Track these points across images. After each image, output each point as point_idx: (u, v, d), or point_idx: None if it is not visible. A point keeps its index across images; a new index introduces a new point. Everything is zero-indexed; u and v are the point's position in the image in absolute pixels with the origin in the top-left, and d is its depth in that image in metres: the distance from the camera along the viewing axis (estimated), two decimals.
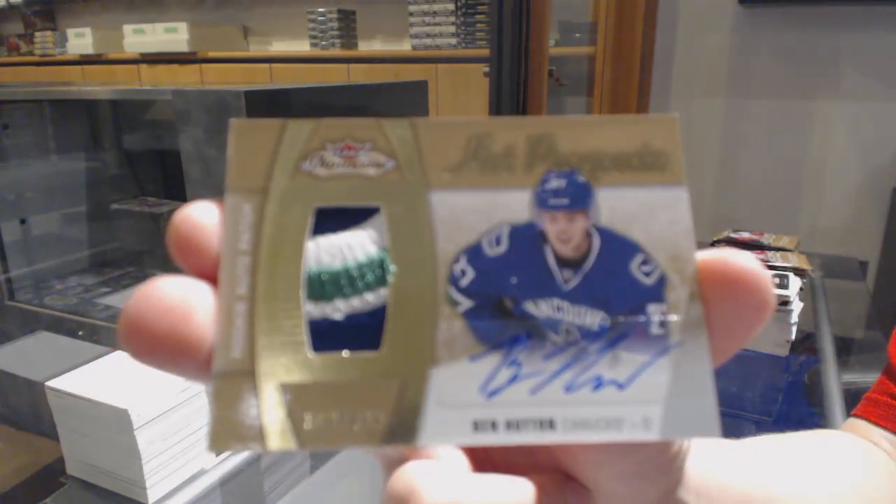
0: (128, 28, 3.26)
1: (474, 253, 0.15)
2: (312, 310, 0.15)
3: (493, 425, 0.14)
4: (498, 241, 0.15)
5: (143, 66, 3.29)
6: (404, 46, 2.89)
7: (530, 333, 0.15)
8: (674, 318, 0.15)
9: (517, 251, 0.15)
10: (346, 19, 2.97)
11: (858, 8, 1.98)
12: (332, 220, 0.16)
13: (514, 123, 0.16)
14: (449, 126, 0.16)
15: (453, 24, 2.63)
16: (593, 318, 0.15)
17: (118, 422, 0.58)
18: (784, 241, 1.16)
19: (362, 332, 0.15)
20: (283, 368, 0.14)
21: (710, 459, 0.23)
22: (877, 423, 0.42)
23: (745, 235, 1.20)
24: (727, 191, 2.28)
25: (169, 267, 0.15)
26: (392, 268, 0.15)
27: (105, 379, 0.62)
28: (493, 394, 0.15)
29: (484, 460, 0.18)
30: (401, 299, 0.15)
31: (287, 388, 0.14)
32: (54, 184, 1.31)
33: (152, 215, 1.38)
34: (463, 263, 0.15)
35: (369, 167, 0.16)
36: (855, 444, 0.40)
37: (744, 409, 0.82)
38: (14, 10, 3.89)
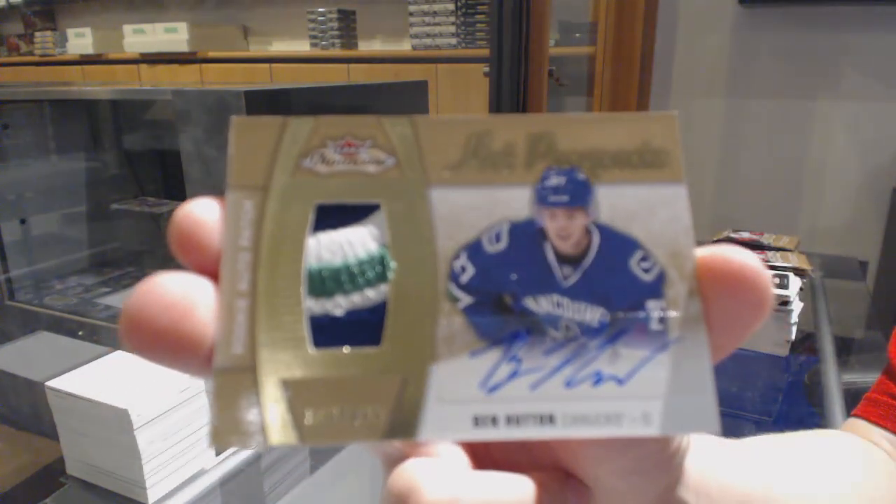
0: (128, 28, 3.26)
1: (474, 250, 0.15)
2: (313, 306, 0.15)
3: (494, 420, 0.15)
4: (498, 238, 0.16)
5: (143, 66, 3.29)
6: (404, 46, 2.89)
7: (530, 329, 0.15)
8: (673, 314, 0.15)
9: (517, 248, 0.16)
10: (346, 19, 2.97)
11: (859, 8, 1.98)
12: (332, 216, 0.16)
13: (513, 121, 0.16)
14: (449, 124, 0.16)
15: (453, 24, 2.63)
16: (593, 315, 0.15)
17: (118, 422, 0.58)
18: (784, 241, 1.16)
19: (363, 328, 0.15)
20: (283, 364, 0.14)
21: (710, 458, 0.23)
22: (877, 423, 0.42)
23: (745, 235, 1.20)
24: (727, 191, 2.28)
25: (169, 267, 0.15)
26: (392, 264, 0.15)
27: (105, 379, 0.62)
28: (493, 389, 0.15)
29: (484, 458, 0.18)
30: (401, 296, 0.15)
31: (288, 384, 0.14)
32: (54, 184, 1.32)
33: (152, 215, 1.38)
34: (463, 260, 0.15)
35: (370, 164, 0.16)
36: (855, 444, 0.40)
37: (744, 409, 0.82)
38: (14, 10, 3.89)
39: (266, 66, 3.04)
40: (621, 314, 0.15)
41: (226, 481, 0.65)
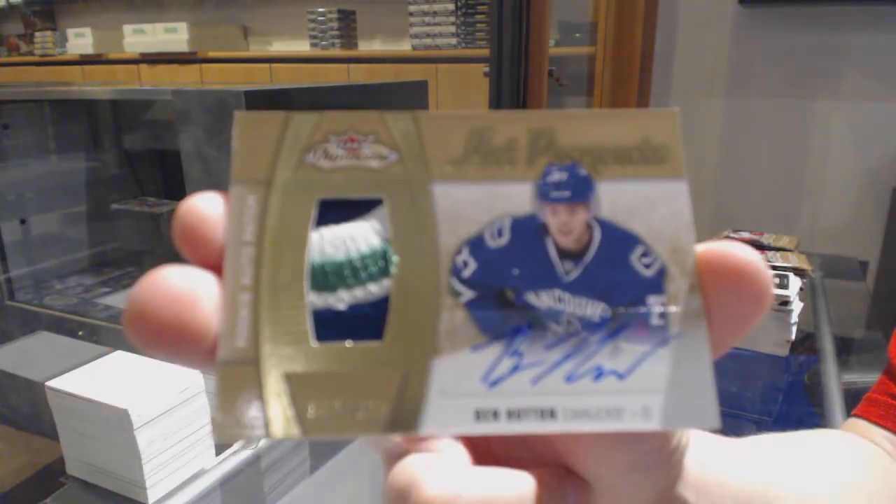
0: (128, 28, 3.26)
1: (476, 245, 0.15)
2: (316, 300, 0.15)
3: (495, 415, 0.15)
4: (500, 233, 0.16)
5: (143, 66, 3.29)
6: (404, 46, 2.89)
7: (532, 324, 0.15)
8: (674, 309, 0.15)
9: (519, 243, 0.16)
10: (346, 19, 2.97)
11: (858, 8, 1.98)
12: (335, 211, 0.16)
13: (515, 117, 0.16)
14: (451, 119, 0.16)
15: (453, 24, 2.63)
16: (594, 309, 0.15)
17: (118, 422, 0.58)
18: (784, 241, 1.16)
19: (365, 322, 0.15)
20: (286, 358, 0.15)
21: (710, 456, 0.23)
22: (877, 423, 0.42)
23: (745, 235, 1.20)
24: (727, 191, 2.28)
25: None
26: (395, 259, 0.15)
27: (105, 379, 0.62)
28: (494, 383, 0.15)
29: (485, 454, 0.18)
30: (403, 290, 0.15)
31: (291, 378, 0.14)
32: (54, 184, 1.32)
33: (152, 215, 1.38)
34: (465, 255, 0.15)
35: (372, 159, 0.16)
36: (855, 443, 0.40)
37: (744, 409, 0.82)
38: (14, 10, 3.89)
39: (266, 66, 3.04)
40: (622, 309, 0.15)
41: (226, 481, 0.65)
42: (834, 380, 0.83)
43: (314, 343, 0.15)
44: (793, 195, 2.20)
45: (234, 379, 0.14)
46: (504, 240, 0.16)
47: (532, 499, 0.16)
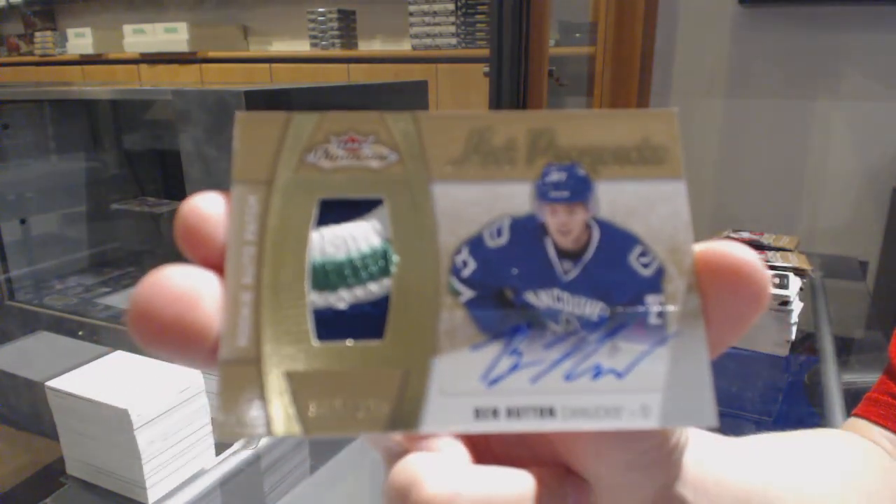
0: (128, 28, 3.26)
1: (476, 244, 0.16)
2: (317, 299, 0.15)
3: (495, 413, 0.15)
4: (499, 233, 0.16)
5: (143, 66, 3.29)
6: (404, 46, 2.89)
7: (531, 323, 0.15)
8: (672, 308, 0.15)
9: (518, 243, 0.16)
10: (346, 19, 2.97)
11: (858, 8, 1.98)
12: (335, 211, 0.16)
13: (514, 117, 0.16)
14: (451, 119, 0.16)
15: (453, 24, 2.63)
16: (593, 309, 0.15)
17: (118, 422, 0.58)
18: (784, 241, 1.16)
19: (366, 321, 0.15)
20: (287, 357, 0.15)
21: (709, 455, 0.23)
22: (877, 423, 0.42)
23: (745, 235, 1.20)
24: (727, 191, 2.28)
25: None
26: (395, 258, 0.15)
27: (105, 379, 0.62)
28: (494, 382, 0.15)
29: (484, 453, 0.19)
30: (403, 289, 0.15)
31: (292, 377, 0.15)
32: (54, 184, 1.32)
33: (152, 215, 1.38)
34: (465, 254, 0.15)
35: (372, 160, 0.16)
36: (854, 443, 0.40)
37: (744, 409, 0.82)
38: (14, 10, 3.89)
39: (266, 66, 3.04)
40: (621, 308, 0.15)
41: (226, 481, 0.65)
42: (834, 380, 0.83)
43: (315, 342, 0.15)
44: (793, 195, 2.20)
45: (236, 378, 0.14)
46: (503, 239, 0.16)
47: (532, 498, 0.16)
